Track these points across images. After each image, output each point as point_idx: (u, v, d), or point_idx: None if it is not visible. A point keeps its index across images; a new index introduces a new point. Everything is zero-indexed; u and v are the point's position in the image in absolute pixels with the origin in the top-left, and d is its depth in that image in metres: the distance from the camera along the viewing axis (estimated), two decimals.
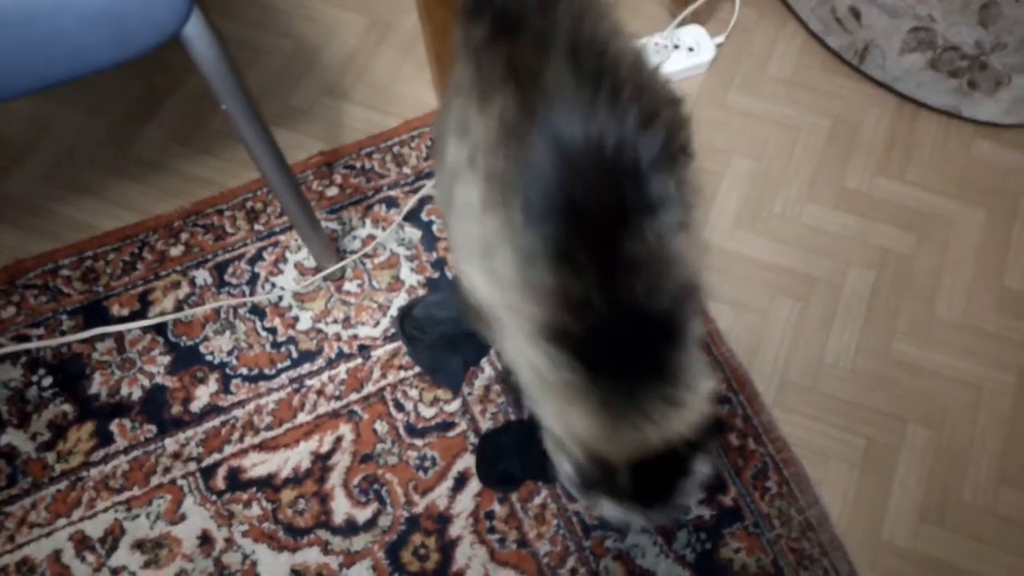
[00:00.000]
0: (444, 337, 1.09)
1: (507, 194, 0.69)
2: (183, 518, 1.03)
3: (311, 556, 1.01)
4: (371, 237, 1.20)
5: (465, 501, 1.05)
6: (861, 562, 1.02)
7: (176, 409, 1.09)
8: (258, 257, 1.19)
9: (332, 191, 1.24)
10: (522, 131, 0.69)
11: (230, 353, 1.12)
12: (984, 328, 1.17)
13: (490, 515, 1.04)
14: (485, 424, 1.09)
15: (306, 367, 1.12)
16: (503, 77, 0.72)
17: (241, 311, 1.15)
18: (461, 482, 1.06)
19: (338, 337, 1.14)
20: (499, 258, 0.70)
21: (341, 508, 1.04)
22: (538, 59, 0.71)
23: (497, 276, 0.72)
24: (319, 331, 1.14)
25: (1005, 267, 1.22)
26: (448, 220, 0.80)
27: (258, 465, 1.06)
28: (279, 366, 1.12)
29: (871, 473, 1.08)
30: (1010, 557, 1.03)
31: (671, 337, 0.71)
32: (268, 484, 1.05)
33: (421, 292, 1.17)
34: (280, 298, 1.16)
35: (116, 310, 1.14)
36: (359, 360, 1.12)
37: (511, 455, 1.06)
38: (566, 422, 0.74)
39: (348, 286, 1.17)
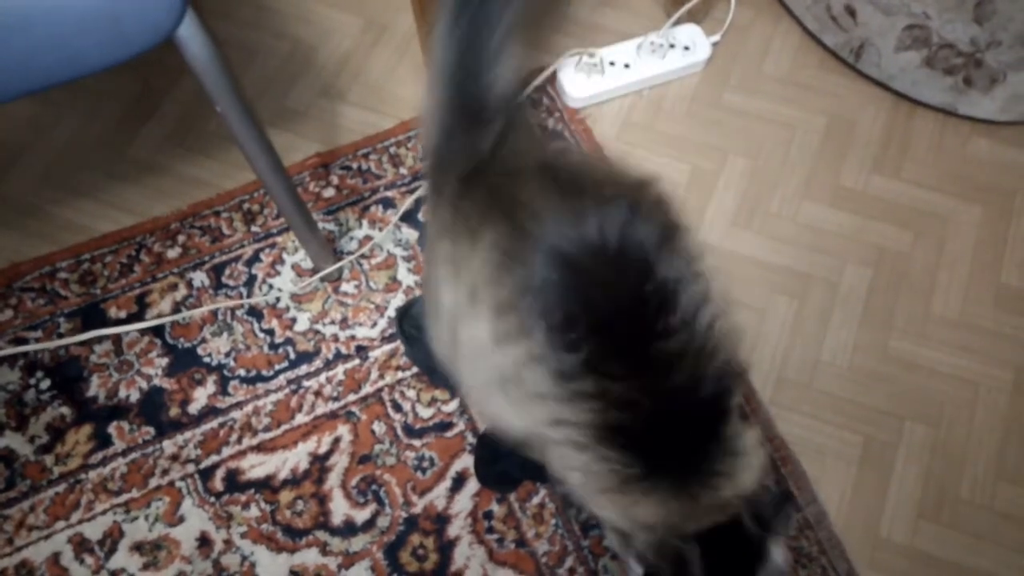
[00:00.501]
0: None
1: (524, 323, 0.69)
2: (182, 520, 1.03)
3: (310, 557, 1.02)
4: (368, 238, 1.20)
5: (463, 501, 1.05)
6: (859, 560, 1.02)
7: (174, 411, 1.09)
8: (255, 259, 1.19)
9: (329, 192, 1.24)
10: (521, 254, 0.70)
11: (228, 355, 1.12)
12: (981, 325, 1.18)
13: (488, 515, 1.04)
14: (483, 424, 1.09)
15: (304, 368, 1.12)
16: (486, 210, 0.74)
17: (239, 313, 1.15)
18: (459, 482, 1.06)
19: (336, 338, 1.14)
20: (529, 380, 0.71)
21: (339, 509, 1.04)
22: (515, 185, 0.73)
23: (532, 395, 0.72)
24: (317, 332, 1.14)
25: (1002, 264, 1.22)
26: (457, 366, 0.81)
27: (256, 467, 1.06)
28: (277, 367, 1.12)
29: (869, 471, 1.08)
30: (1009, 553, 1.03)
31: (722, 411, 0.73)
32: (266, 485, 1.05)
33: (419, 292, 1.17)
34: (278, 299, 1.16)
35: (114, 312, 1.14)
36: (357, 361, 1.12)
37: (509, 455, 1.06)
38: (632, 514, 0.76)
39: (345, 287, 1.17)
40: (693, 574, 0.71)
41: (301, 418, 1.09)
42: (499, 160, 0.78)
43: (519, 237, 0.70)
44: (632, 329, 0.69)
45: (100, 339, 1.12)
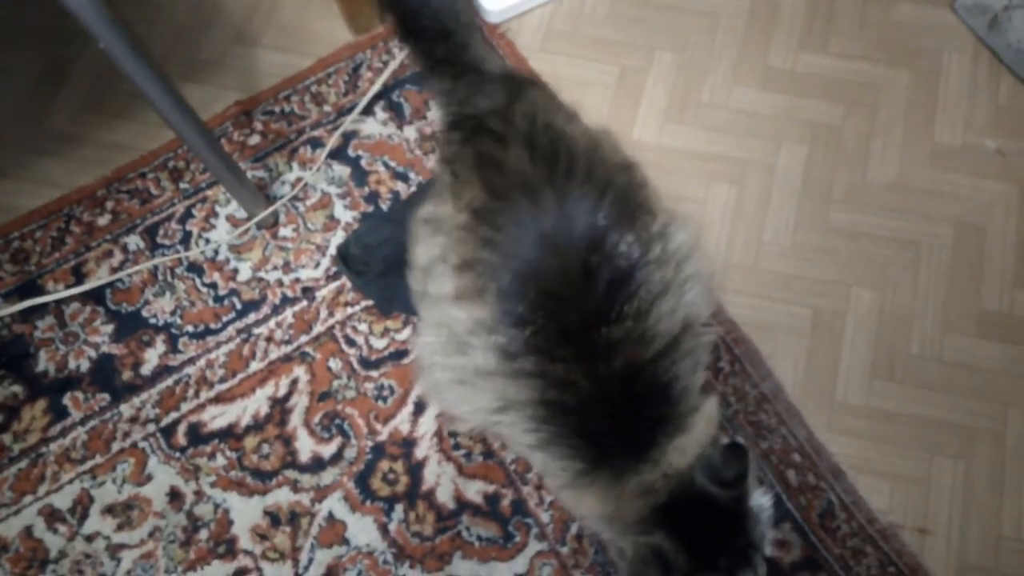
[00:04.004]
0: (388, 260, 1.08)
1: (480, 282, 0.73)
2: (149, 478, 1.03)
3: (282, 496, 1.02)
4: (299, 179, 1.18)
5: (427, 423, 1.06)
6: (818, 425, 1.05)
7: (127, 375, 1.08)
8: (188, 215, 1.17)
9: (254, 139, 1.21)
10: (489, 216, 0.74)
11: (173, 313, 1.11)
12: (918, 186, 1.18)
13: (454, 433, 1.05)
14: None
15: (252, 316, 1.11)
16: (471, 171, 0.79)
17: (178, 271, 1.14)
18: (421, 406, 1.06)
19: (280, 283, 1.13)
20: (477, 348, 0.74)
21: (305, 447, 1.05)
22: (499, 151, 0.78)
23: (479, 371, 0.75)
24: (260, 280, 1.13)
25: (934, 124, 1.23)
26: (421, 312, 0.85)
27: (217, 417, 1.06)
28: (224, 319, 1.11)
29: (820, 340, 1.10)
30: (959, 398, 1.06)
31: (665, 386, 0.75)
32: (230, 434, 1.05)
33: (357, 227, 1.16)
34: (216, 252, 1.15)
35: (51, 286, 1.12)
36: (304, 303, 1.12)
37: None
38: (582, 510, 0.81)
39: (283, 231, 1.16)
40: (687, 568, 0.73)
41: (256, 365, 1.09)
42: (502, 121, 0.81)
43: (492, 199, 0.74)
44: (580, 307, 0.72)
45: (42, 314, 1.11)
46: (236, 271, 1.14)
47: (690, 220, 0.81)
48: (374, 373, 1.08)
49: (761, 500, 0.76)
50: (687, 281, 0.77)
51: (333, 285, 1.13)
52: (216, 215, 1.17)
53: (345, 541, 1.00)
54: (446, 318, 0.77)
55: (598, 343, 0.72)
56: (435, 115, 1.20)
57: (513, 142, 0.77)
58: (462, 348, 0.76)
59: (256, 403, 1.07)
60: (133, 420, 1.06)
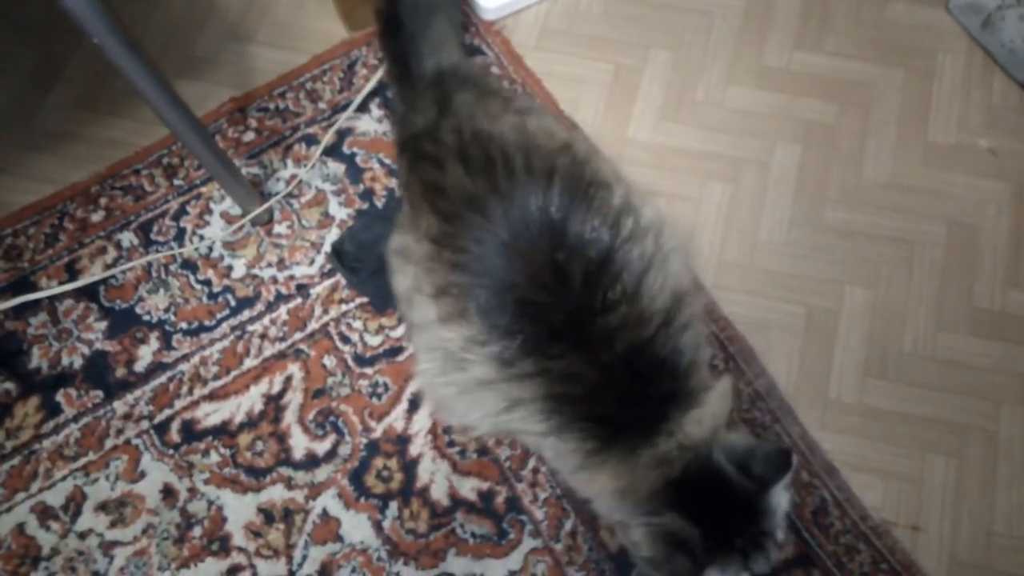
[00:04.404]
0: (382, 257, 1.08)
1: (459, 304, 0.74)
2: (143, 475, 1.03)
3: (276, 493, 1.02)
4: (294, 176, 1.18)
5: (422, 420, 1.06)
6: (811, 422, 1.05)
7: (120, 372, 1.08)
8: (182, 212, 1.17)
9: (249, 136, 1.21)
10: (448, 241, 0.75)
11: (167, 310, 1.11)
12: (912, 184, 1.19)
13: (448, 430, 1.05)
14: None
15: (246, 313, 1.11)
16: (420, 199, 0.80)
17: (172, 267, 1.13)
18: (415, 403, 1.06)
19: (274, 280, 1.13)
20: (474, 362, 0.75)
21: (300, 444, 1.05)
22: (438, 174, 0.78)
23: (480, 383, 0.76)
24: (254, 276, 1.13)
25: (928, 123, 1.23)
26: (413, 340, 0.87)
27: (211, 415, 1.06)
28: (219, 316, 1.11)
29: (813, 338, 1.10)
30: (952, 396, 1.06)
31: (669, 361, 0.75)
32: (223, 431, 1.05)
33: (351, 224, 1.16)
34: (210, 249, 1.14)
35: (44, 283, 1.12)
36: (299, 300, 1.12)
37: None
38: (593, 489, 0.80)
39: (278, 229, 1.16)
40: (708, 554, 0.73)
41: (250, 362, 1.08)
42: (434, 141, 0.82)
43: (445, 223, 0.75)
44: (561, 307, 0.72)
45: (35, 311, 1.10)
46: (230, 268, 1.13)
47: (649, 194, 0.81)
48: (368, 370, 1.08)
49: (780, 498, 0.76)
50: (669, 254, 0.77)
51: (327, 282, 1.13)
52: (210, 212, 1.17)
53: (339, 538, 1.00)
54: (437, 340, 0.78)
55: (593, 334, 0.72)
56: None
57: (447, 162, 0.78)
58: (460, 365, 0.76)
59: (250, 400, 1.07)
60: (126, 417, 1.05)
